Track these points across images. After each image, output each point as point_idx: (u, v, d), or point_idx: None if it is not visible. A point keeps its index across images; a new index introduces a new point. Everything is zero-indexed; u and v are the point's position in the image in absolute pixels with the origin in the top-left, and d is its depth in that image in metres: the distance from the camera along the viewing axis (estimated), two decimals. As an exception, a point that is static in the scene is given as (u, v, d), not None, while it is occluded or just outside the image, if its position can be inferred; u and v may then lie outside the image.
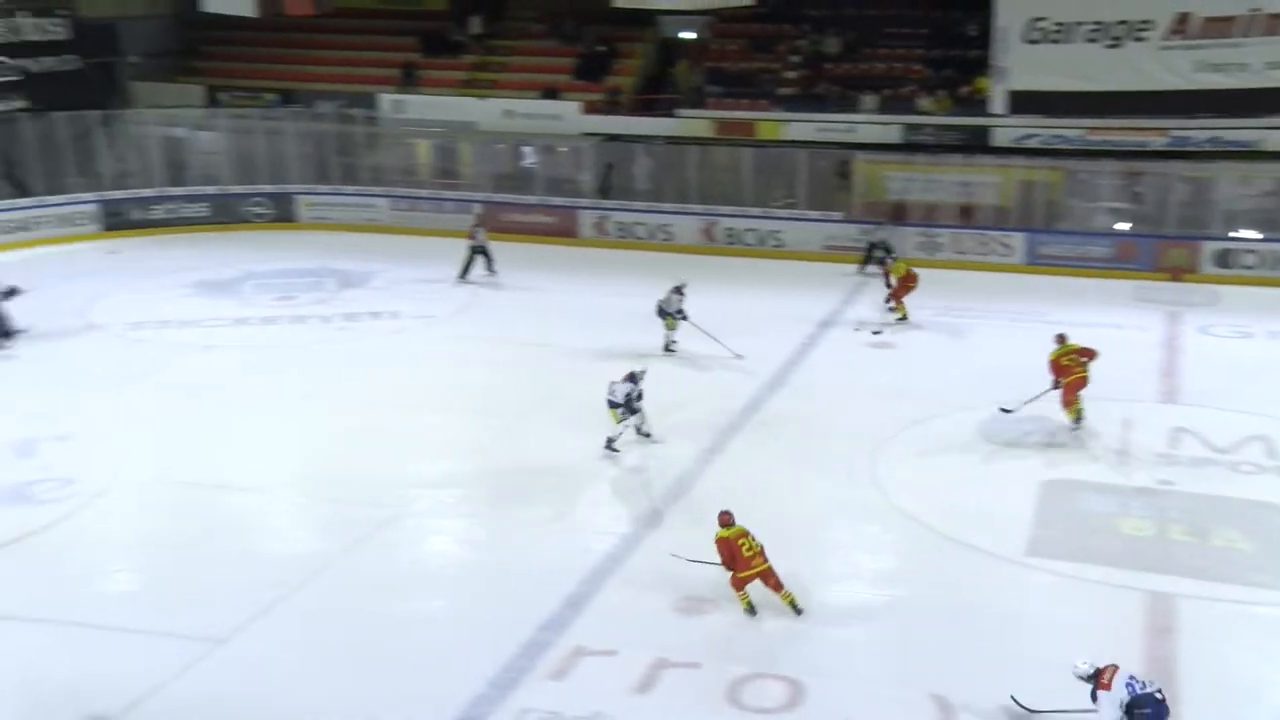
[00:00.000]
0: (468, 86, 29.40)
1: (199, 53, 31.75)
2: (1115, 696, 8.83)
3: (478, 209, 25.47)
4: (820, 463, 14.63)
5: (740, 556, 11.14)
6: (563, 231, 26.36)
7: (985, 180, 24.89)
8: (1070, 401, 15.39)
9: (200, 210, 27.17)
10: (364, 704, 9.89)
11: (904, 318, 20.14)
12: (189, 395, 16.86)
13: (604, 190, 26.91)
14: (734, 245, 25.46)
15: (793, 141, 26.06)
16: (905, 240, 24.29)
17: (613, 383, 14.82)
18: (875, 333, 19.56)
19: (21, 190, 25.18)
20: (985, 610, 11.34)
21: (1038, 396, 15.44)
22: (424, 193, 27.42)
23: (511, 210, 26.79)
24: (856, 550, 12.83)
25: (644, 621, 11.15)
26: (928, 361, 18.16)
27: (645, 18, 28.84)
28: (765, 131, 26.59)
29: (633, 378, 14.87)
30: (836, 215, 24.84)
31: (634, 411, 14.80)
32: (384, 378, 17.74)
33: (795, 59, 28.27)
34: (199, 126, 28.70)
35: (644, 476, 14.17)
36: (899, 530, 13.02)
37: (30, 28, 27.95)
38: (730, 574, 11.20)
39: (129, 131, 27.76)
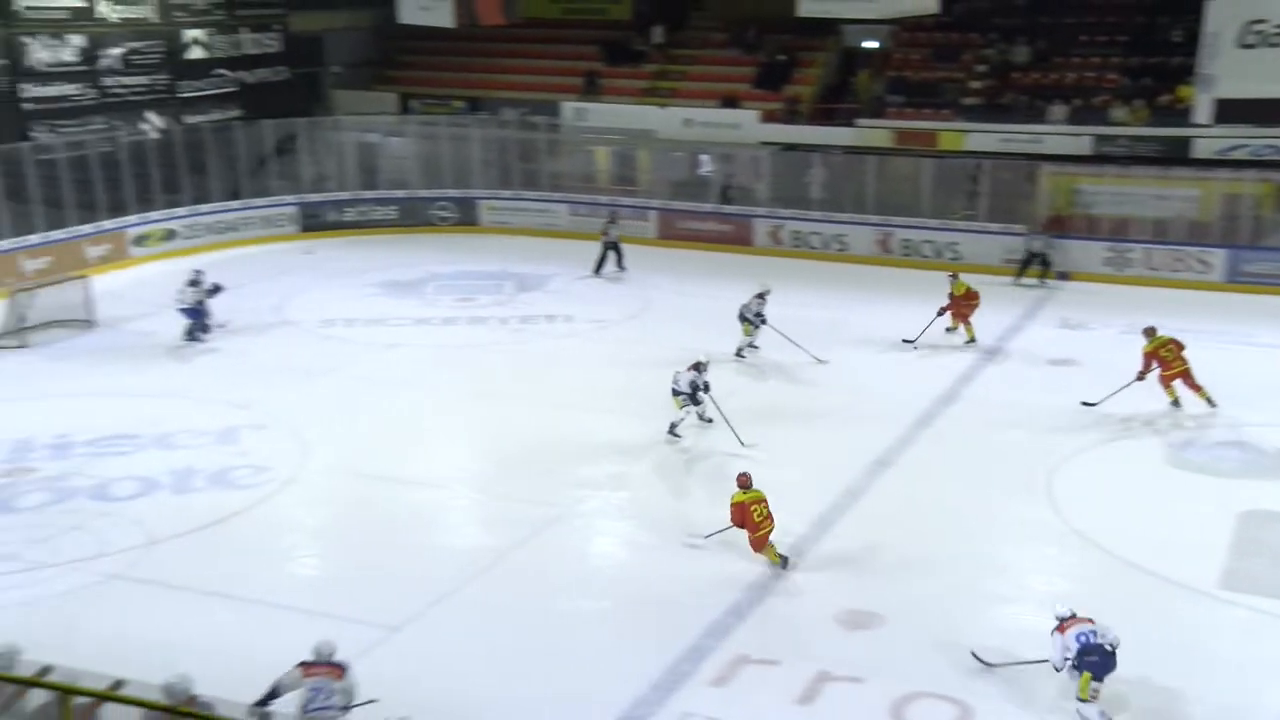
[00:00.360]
0: (648, 95, 29.70)
1: (395, 62, 33.01)
2: (1064, 641, 9.66)
3: (611, 209, 25.93)
4: (995, 480, 14.21)
5: (751, 520, 11.85)
6: (737, 240, 26.34)
7: (1184, 194, 23.73)
8: (1169, 388, 16.19)
9: (389, 213, 28.20)
10: (528, 697, 10.07)
11: (972, 339, 19.44)
12: (372, 391, 17.52)
13: (725, 198, 26.83)
14: (910, 256, 24.97)
15: (974, 152, 25.43)
16: (1092, 255, 23.40)
17: (678, 371, 15.46)
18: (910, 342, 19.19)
19: (234, 193, 26.68)
20: (1169, 643, 10.78)
21: (1122, 389, 16.00)
22: (602, 199, 27.79)
23: (687, 217, 26.91)
24: (1030, 572, 12.39)
25: (807, 633, 11.03)
26: (1113, 380, 17.43)
27: (828, 27, 28.60)
28: (946, 142, 26.02)
29: (698, 367, 15.47)
30: (1018, 228, 24.11)
31: (697, 402, 15.39)
32: (556, 379, 18.05)
33: (981, 68, 27.58)
34: (391, 133, 29.81)
35: (814, 487, 14.02)
36: (1076, 554, 12.53)
37: (249, 42, 29.61)
38: (748, 536, 11.89)
39: (328, 138, 29.05)
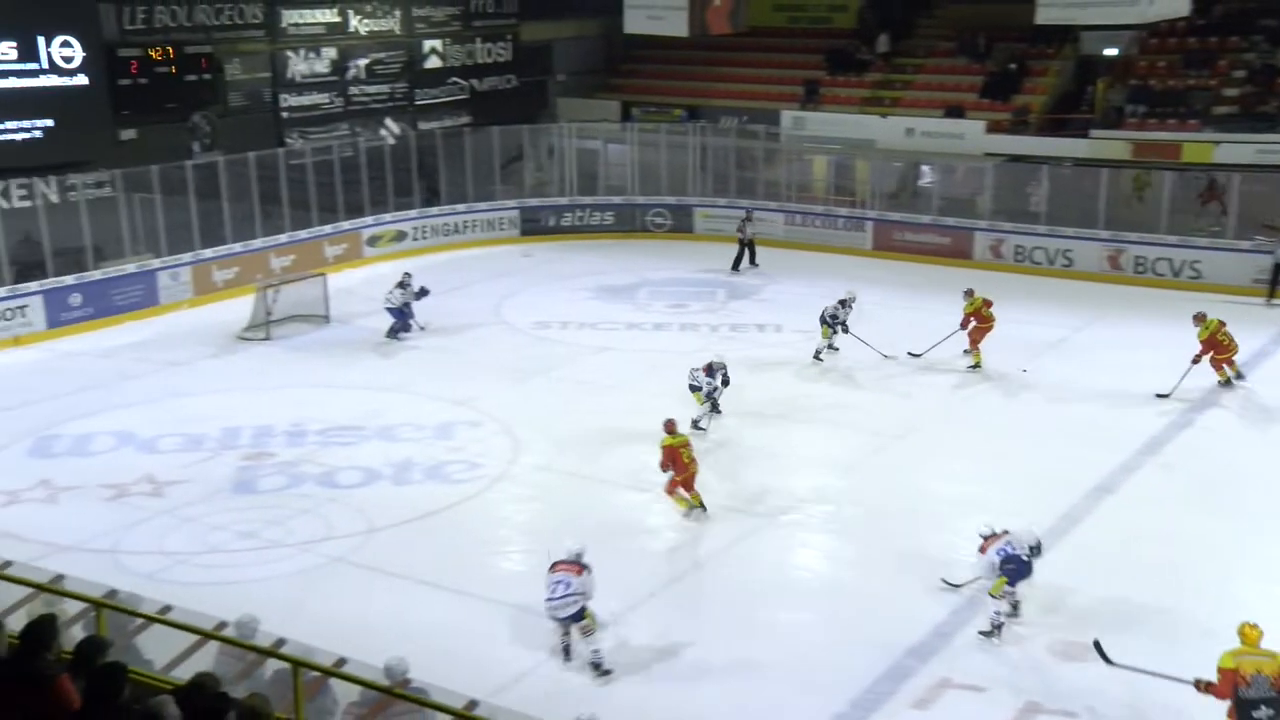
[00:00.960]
0: (869, 104, 29.28)
1: (618, 70, 33.67)
2: (988, 559, 10.99)
3: (747, 209, 26.21)
4: (1229, 511, 13.35)
5: (680, 462, 13.32)
6: (955, 253, 25.63)
7: None
8: (1220, 370, 16.94)
9: (605, 218, 28.74)
10: (721, 706, 10.08)
11: (977, 365, 18.46)
12: (582, 392, 17.89)
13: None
14: (1143, 275, 23.72)
15: (1224, 165, 23.93)
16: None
17: (693, 369, 16.07)
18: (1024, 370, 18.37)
19: (435, 197, 27.74)
20: None
21: (1186, 374, 16.45)
22: (818, 208, 27.55)
23: (903, 229, 26.39)
24: (1269, 614, 11.54)
25: (1016, 661, 10.64)
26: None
27: (1065, 34, 27.50)
28: (1192, 154, 24.58)
29: (710, 370, 15.96)
30: (1261, 238, 22.55)
31: (714, 404, 15.91)
32: (764, 387, 18.00)
33: (1239, 74, 25.86)
34: (610, 139, 30.39)
35: (1028, 517, 13.50)
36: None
37: (482, 52, 30.83)
38: (673, 477, 13.30)
39: (551, 144, 29.87)
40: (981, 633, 11.06)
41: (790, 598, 12.04)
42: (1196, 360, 16.80)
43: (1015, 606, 11.11)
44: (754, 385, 18.19)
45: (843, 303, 19.11)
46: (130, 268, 21.51)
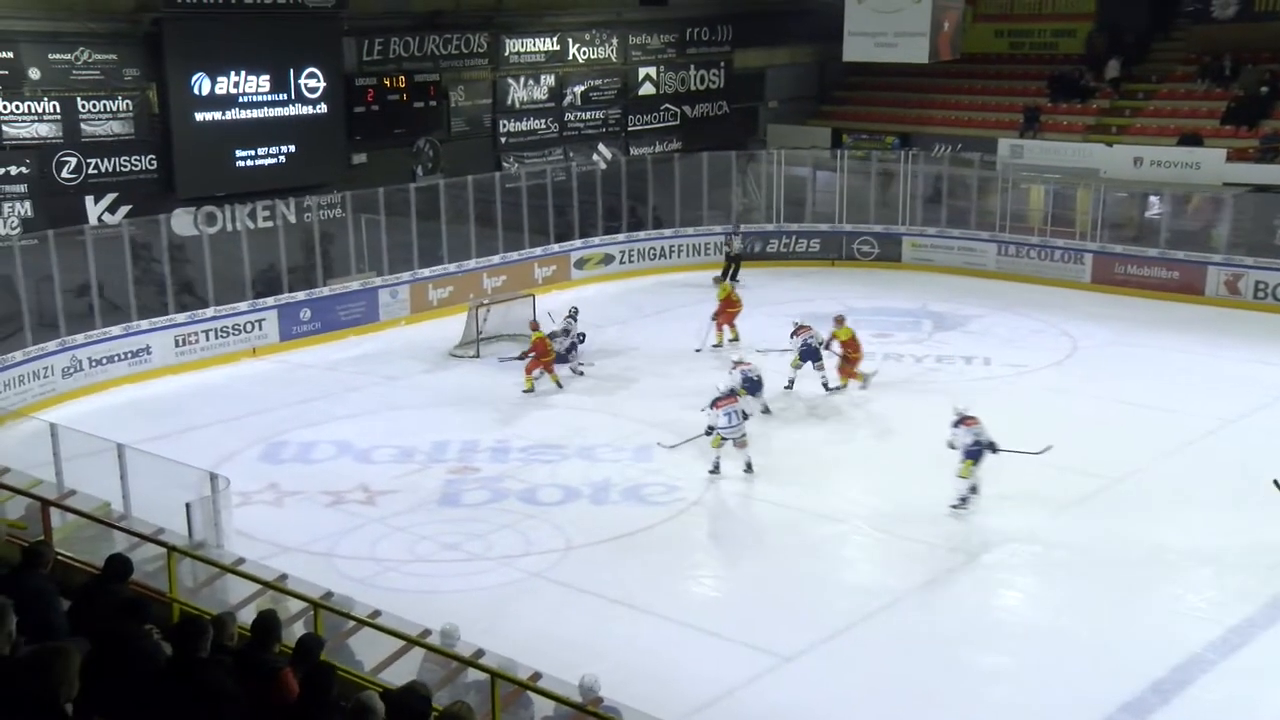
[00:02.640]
0: (1094, 132, 28.23)
1: (830, 97, 33.54)
2: (962, 436, 14.04)
3: (734, 225, 26.22)
4: None
5: (548, 350, 17.65)
6: (1185, 288, 24.39)
7: None
8: None
9: (812, 245, 28.62)
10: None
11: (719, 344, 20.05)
12: (781, 420, 17.87)
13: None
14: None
15: None
16: None
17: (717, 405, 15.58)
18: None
19: (640, 224, 28.23)
20: None
21: None
22: (1033, 239, 26.73)
23: (1127, 262, 25.30)
24: None
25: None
26: None
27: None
28: None
29: (733, 394, 15.99)
30: None
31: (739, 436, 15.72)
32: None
33: None
34: (820, 166, 30.27)
35: (1255, 562, 12.74)
36: None
37: (695, 79, 31.31)
38: (533, 358, 16.69)
39: (759, 170, 29.99)
40: (952, 505, 14.14)
41: (992, 641, 11.73)
42: None
43: (975, 489, 14.23)
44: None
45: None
46: (354, 285, 22.74)
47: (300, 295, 22.08)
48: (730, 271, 25.49)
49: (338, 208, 23.06)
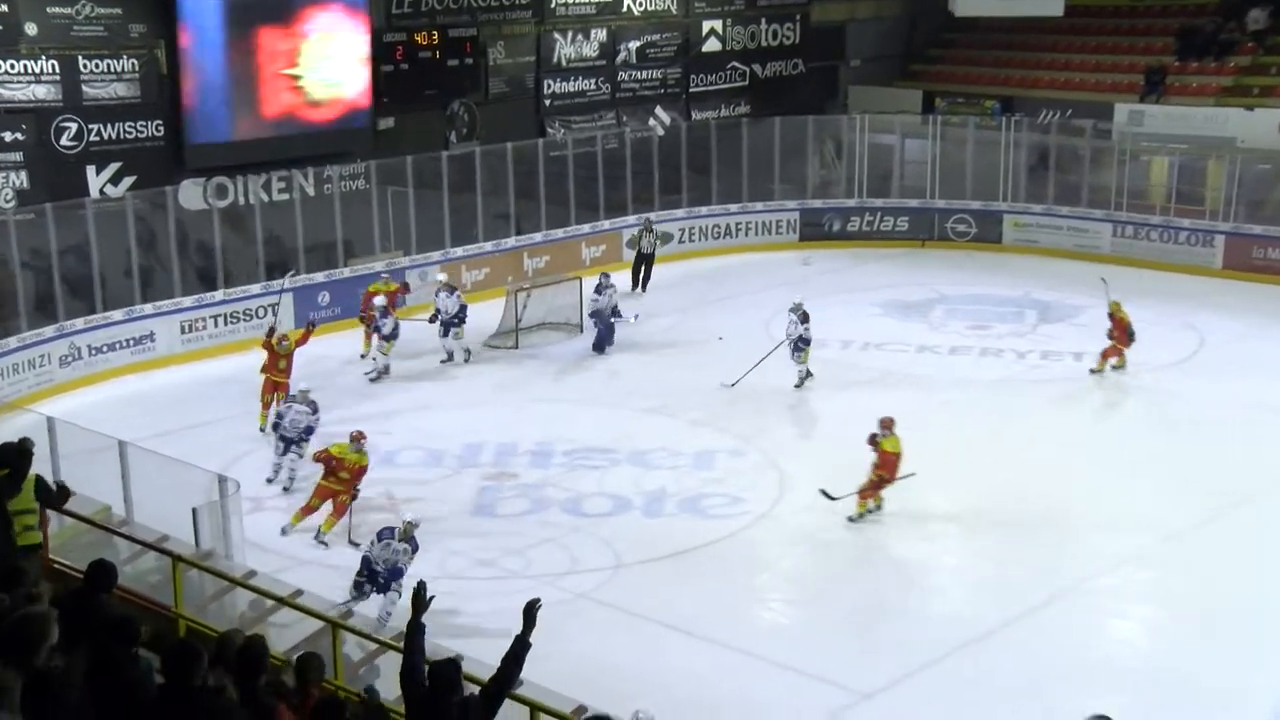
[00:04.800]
0: (1230, 95, 27.73)
1: (922, 56, 33.24)
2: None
3: (645, 218, 25.66)
4: None
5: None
6: (1339, 274, 24.01)
7: None
8: None
9: (899, 224, 28.47)
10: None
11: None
12: (861, 423, 17.74)
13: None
14: None
15: None
16: None
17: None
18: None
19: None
20: None
21: None
22: (1154, 219, 26.40)
23: (1268, 244, 24.94)
24: None
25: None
26: None
27: None
28: None
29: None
30: None
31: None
32: (1076, 428, 17.43)
33: None
34: (909, 134, 30.07)
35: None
36: None
37: (766, 34, 31.13)
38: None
39: (840, 138, 29.85)
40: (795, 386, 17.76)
41: (1098, 679, 11.62)
42: None
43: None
44: (1063, 424, 17.65)
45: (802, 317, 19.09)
46: (379, 265, 22.94)
47: (319, 277, 22.33)
48: (643, 276, 24.98)
49: (361, 179, 23.30)
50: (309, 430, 15.60)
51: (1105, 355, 19.36)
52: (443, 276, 21.33)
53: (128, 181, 20.71)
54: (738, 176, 28.20)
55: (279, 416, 15.85)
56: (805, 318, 19.09)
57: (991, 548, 14.18)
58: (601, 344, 21.19)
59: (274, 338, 17.36)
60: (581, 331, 22.02)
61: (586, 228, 26.27)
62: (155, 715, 5.82)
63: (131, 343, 20.12)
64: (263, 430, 17.01)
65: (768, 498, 15.40)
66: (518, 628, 6.43)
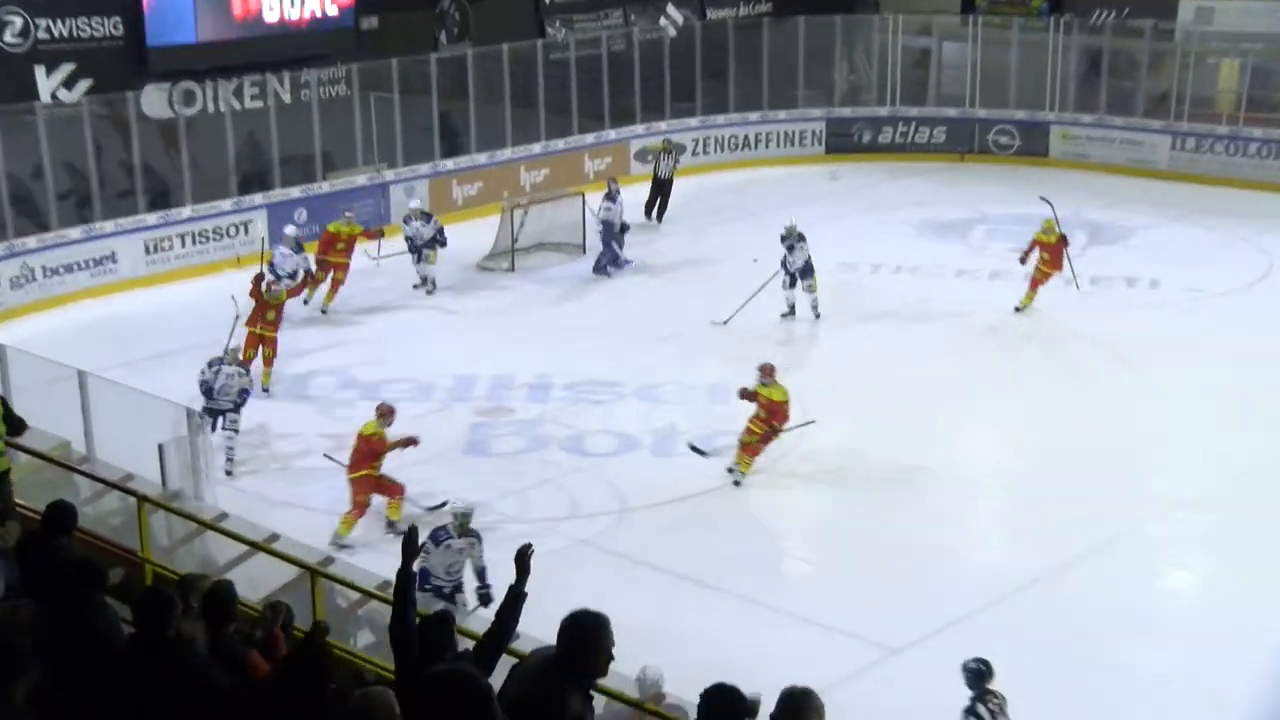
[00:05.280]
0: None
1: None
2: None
3: (665, 136, 25.38)
4: None
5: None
6: None
7: None
8: None
9: (935, 136, 28.24)
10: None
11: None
12: (894, 353, 17.75)
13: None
14: None
15: None
16: None
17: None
18: None
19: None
20: None
21: None
22: (1221, 130, 26.17)
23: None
24: None
25: None
26: None
27: None
28: None
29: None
30: None
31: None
32: (1132, 361, 17.35)
33: None
34: (947, 36, 29.74)
35: None
36: None
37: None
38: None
39: (870, 40, 29.49)
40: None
41: (1146, 632, 11.67)
42: None
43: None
44: (1115, 356, 17.58)
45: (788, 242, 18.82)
46: (361, 180, 22.83)
47: (295, 192, 22.20)
48: (659, 204, 24.32)
49: (341, 84, 23.09)
50: (244, 394, 14.64)
51: (1035, 284, 19.22)
52: (416, 203, 20.97)
53: (83, 85, 20.50)
54: (757, 82, 27.94)
55: (207, 385, 14.49)
56: (801, 238, 18.86)
57: (1035, 492, 14.13)
58: (604, 264, 21.07)
59: (264, 284, 16.49)
60: (584, 252, 21.93)
61: (590, 138, 26.09)
62: (124, 669, 5.73)
63: (90, 264, 20.04)
64: (263, 390, 16.14)
65: (790, 435, 15.33)
66: (512, 577, 6.37)
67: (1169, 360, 17.41)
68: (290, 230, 19.20)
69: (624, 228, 21.10)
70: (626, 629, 10.92)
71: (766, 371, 14.23)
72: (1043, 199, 19.52)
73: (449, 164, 24.06)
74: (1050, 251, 19.19)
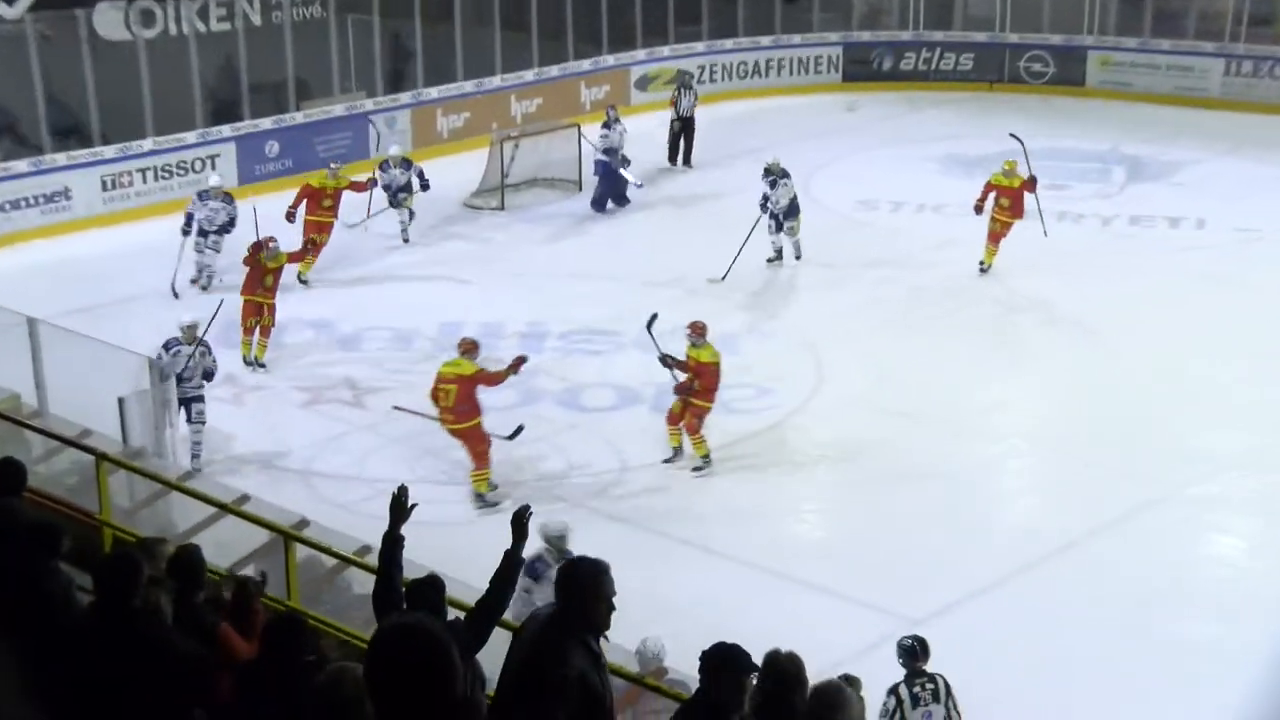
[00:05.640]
0: None
1: None
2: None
3: (682, 71, 25.00)
4: None
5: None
6: None
7: None
8: None
9: (962, 63, 28.14)
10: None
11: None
12: (914, 298, 17.73)
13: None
14: None
15: None
16: None
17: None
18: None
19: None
20: None
21: None
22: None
23: None
24: None
25: None
26: None
27: None
28: None
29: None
30: None
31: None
32: (1174, 307, 17.36)
33: None
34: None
35: None
36: None
37: None
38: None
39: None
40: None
41: (1195, 603, 11.71)
42: None
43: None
44: (1160, 304, 17.53)
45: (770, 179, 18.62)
46: (338, 110, 22.72)
47: (266, 123, 22.10)
48: (684, 147, 23.79)
49: (316, 5, 22.94)
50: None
51: (995, 238, 18.43)
52: (395, 148, 20.53)
53: (26, 1, 20.31)
54: (769, 3, 27.76)
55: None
56: (785, 175, 18.66)
57: (1071, 450, 14.15)
58: (604, 200, 21.00)
59: (262, 250, 15.87)
60: (580, 189, 21.90)
61: (587, 64, 25.97)
62: (84, 641, 5.69)
63: (41, 200, 19.98)
64: (248, 363, 15.92)
65: (803, 389, 15.35)
66: (506, 542, 6.38)
67: (1216, 305, 17.40)
68: (215, 180, 18.58)
69: (623, 160, 21.02)
70: (627, 596, 10.95)
71: (697, 330, 13.62)
72: (1012, 135, 19.01)
73: (433, 92, 23.94)
74: (1010, 196, 18.21)
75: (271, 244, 16.09)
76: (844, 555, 12.50)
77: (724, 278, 18.24)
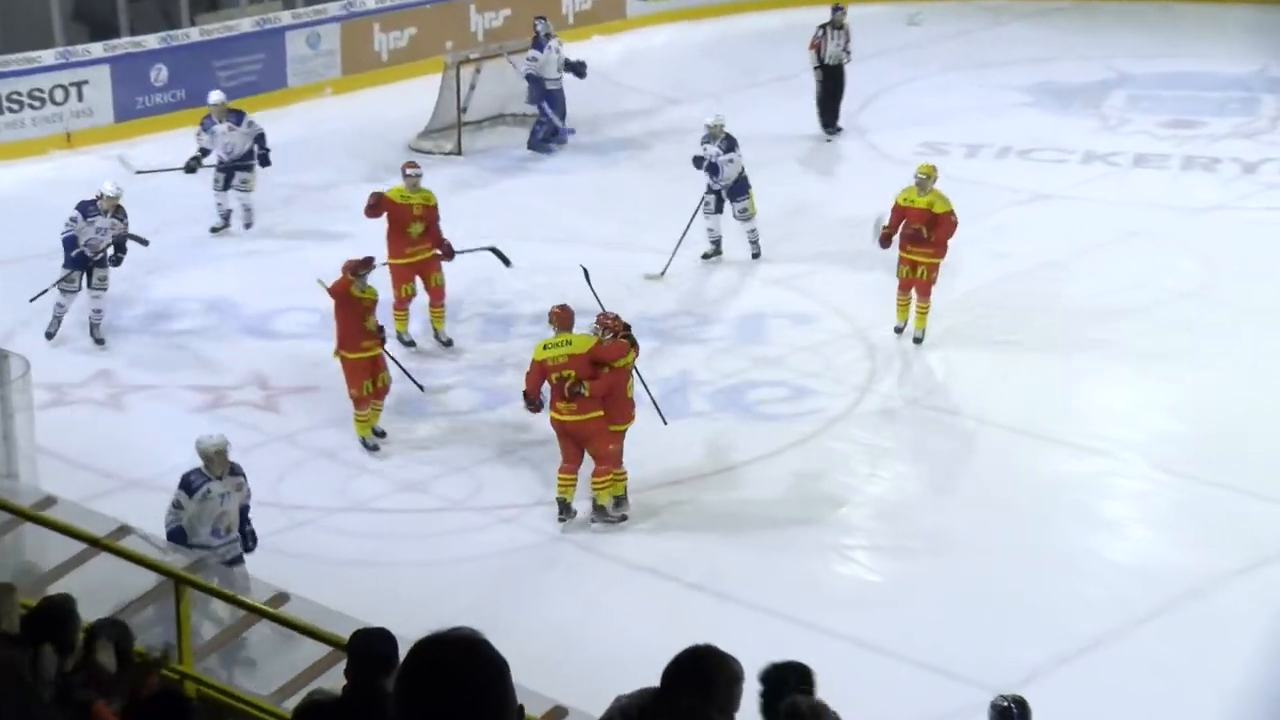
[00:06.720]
0: None
1: None
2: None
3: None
4: None
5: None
6: None
7: None
8: None
9: (1058, -37, 28.20)
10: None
11: None
12: (995, 272, 17.72)
13: None
14: None
15: None
16: None
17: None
18: None
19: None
20: None
21: None
22: None
23: None
24: None
25: None
26: None
27: None
28: None
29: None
30: None
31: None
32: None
33: None
34: None
35: None
36: None
37: None
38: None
39: None
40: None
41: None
42: None
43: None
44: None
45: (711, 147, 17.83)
46: (246, 24, 22.74)
47: (151, 42, 22.10)
48: (833, 105, 22.80)
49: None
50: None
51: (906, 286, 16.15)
52: (218, 95, 19.12)
53: None
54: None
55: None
56: (731, 144, 17.86)
57: (1196, 466, 14.16)
58: (541, 136, 21.32)
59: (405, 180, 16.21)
60: (563, 129, 21.84)
61: (568, -33, 26.01)
62: None
63: None
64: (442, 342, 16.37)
65: (849, 389, 15.38)
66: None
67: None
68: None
69: (568, 65, 21.29)
70: (621, 656, 11.08)
71: (614, 326, 13.38)
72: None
73: (369, 2, 23.92)
74: (923, 222, 15.88)
75: (410, 171, 16.65)
76: (901, 604, 12.50)
77: (663, 273, 17.95)
